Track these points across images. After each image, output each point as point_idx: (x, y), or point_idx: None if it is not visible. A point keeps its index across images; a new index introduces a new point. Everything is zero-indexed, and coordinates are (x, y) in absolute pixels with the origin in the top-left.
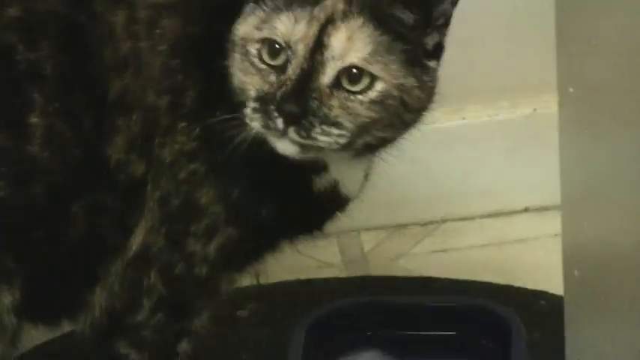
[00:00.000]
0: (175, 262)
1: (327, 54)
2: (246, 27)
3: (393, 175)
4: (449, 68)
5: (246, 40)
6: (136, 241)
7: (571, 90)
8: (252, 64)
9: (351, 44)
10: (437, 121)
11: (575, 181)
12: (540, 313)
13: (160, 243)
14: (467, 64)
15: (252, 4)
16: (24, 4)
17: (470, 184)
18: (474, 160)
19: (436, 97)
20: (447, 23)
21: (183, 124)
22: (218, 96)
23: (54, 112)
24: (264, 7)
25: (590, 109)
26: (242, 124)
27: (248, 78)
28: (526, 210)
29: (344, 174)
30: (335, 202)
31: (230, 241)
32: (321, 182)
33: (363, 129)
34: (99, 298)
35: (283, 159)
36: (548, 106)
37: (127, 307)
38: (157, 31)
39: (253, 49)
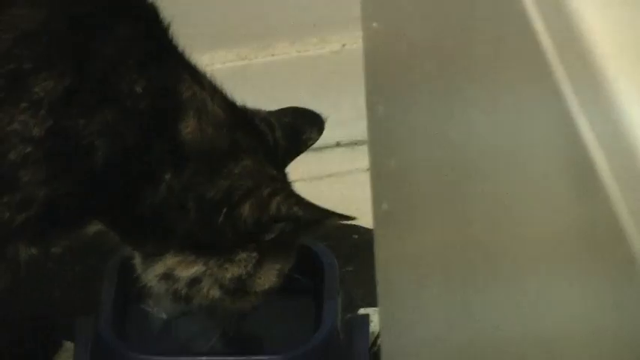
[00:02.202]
0: None
1: None
2: None
3: None
4: (257, 5)
5: None
6: None
7: (375, 25)
8: None
9: None
10: (246, 57)
11: (380, 115)
12: (352, 246)
13: None
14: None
15: None
16: None
17: None
18: (283, 97)
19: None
20: None
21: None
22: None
23: None
24: None
25: (393, 43)
26: None
27: None
28: (337, 145)
29: None
30: None
31: (40, 215)
32: None
33: None
34: None
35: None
36: (358, 41)
37: None
38: None
39: None
